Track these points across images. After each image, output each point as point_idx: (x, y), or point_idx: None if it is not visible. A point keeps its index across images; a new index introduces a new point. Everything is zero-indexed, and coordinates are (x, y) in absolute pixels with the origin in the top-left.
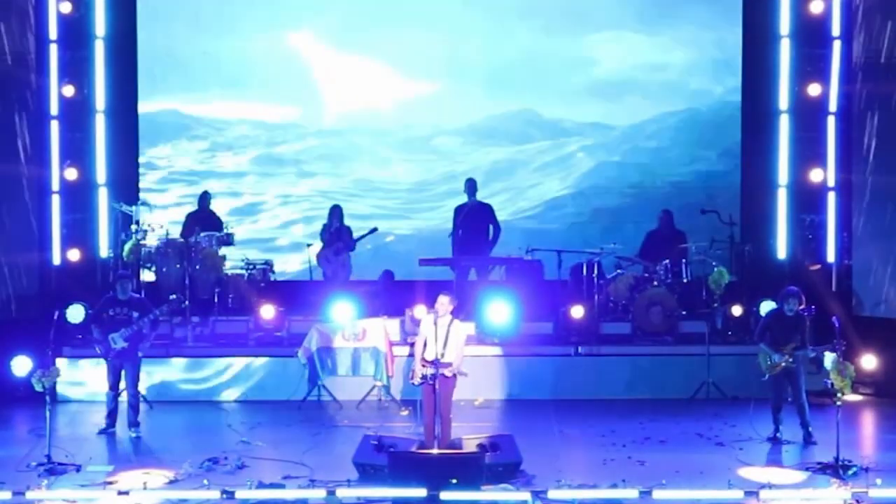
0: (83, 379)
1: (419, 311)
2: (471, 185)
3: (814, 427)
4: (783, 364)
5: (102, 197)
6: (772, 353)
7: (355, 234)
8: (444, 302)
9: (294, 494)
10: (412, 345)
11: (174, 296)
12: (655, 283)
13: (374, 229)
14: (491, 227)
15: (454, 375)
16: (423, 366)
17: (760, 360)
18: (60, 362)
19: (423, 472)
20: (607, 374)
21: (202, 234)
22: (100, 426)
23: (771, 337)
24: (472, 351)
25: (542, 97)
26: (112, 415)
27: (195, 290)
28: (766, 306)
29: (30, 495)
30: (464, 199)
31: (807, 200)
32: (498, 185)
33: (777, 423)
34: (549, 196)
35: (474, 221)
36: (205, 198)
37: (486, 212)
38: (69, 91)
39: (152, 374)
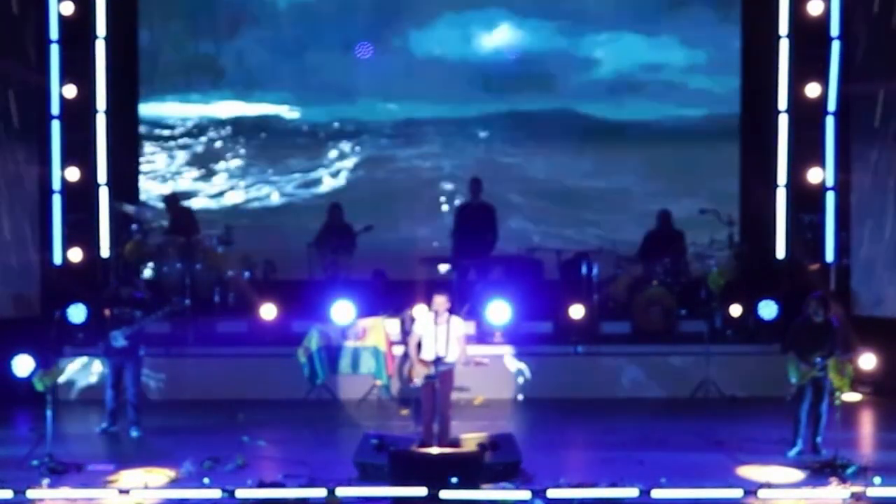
0: (84, 378)
1: (419, 310)
2: (475, 185)
3: None
4: (812, 374)
5: (104, 197)
6: (800, 362)
7: (353, 230)
8: (441, 301)
9: (294, 493)
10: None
11: (175, 299)
12: (655, 282)
13: (370, 227)
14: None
15: (452, 374)
16: (425, 366)
17: (789, 370)
18: (61, 362)
19: (423, 471)
20: (607, 374)
21: (203, 234)
22: (101, 425)
23: (799, 346)
24: (471, 351)
25: (540, 96)
26: (113, 414)
27: (196, 289)
28: (766, 306)
29: (31, 494)
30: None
31: (806, 200)
32: (496, 184)
33: (797, 435)
34: (548, 195)
35: (476, 221)
36: (173, 198)
37: (488, 213)
38: (70, 91)
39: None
